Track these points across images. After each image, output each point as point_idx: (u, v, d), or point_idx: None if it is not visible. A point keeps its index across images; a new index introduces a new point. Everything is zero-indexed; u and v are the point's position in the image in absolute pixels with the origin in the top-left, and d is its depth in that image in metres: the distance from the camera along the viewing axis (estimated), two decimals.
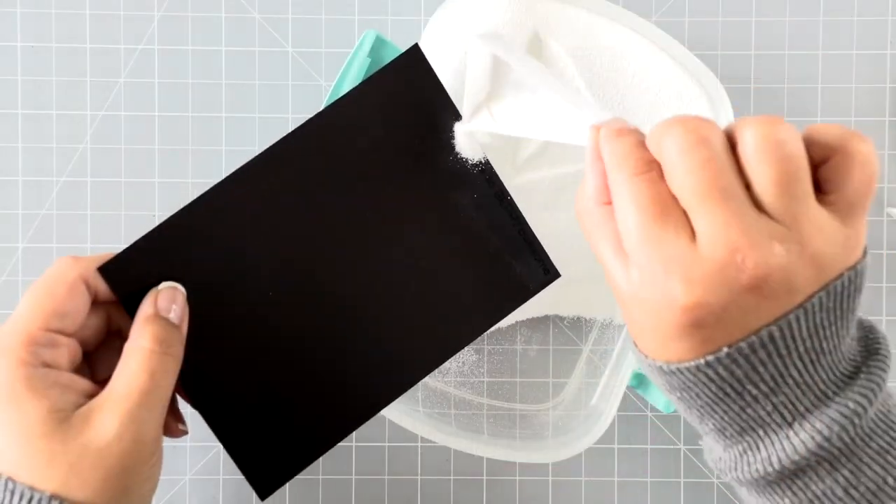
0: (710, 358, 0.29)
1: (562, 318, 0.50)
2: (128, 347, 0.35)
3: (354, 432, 0.50)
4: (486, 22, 0.44)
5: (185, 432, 0.38)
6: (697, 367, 0.29)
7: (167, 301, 0.36)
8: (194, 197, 0.37)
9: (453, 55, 0.44)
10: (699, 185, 0.28)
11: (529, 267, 0.39)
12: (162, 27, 0.51)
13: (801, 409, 0.29)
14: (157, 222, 0.50)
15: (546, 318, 0.50)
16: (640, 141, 0.31)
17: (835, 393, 0.30)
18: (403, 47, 0.45)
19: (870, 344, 0.32)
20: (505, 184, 0.39)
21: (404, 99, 0.38)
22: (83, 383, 0.34)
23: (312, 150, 0.37)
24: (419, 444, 0.50)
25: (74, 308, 0.34)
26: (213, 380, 0.37)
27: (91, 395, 0.34)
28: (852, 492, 0.29)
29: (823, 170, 0.29)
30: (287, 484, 0.50)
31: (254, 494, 0.50)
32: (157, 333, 0.34)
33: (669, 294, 0.28)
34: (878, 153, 0.50)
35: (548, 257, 0.40)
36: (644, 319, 0.30)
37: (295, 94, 0.51)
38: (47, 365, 0.33)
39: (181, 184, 0.51)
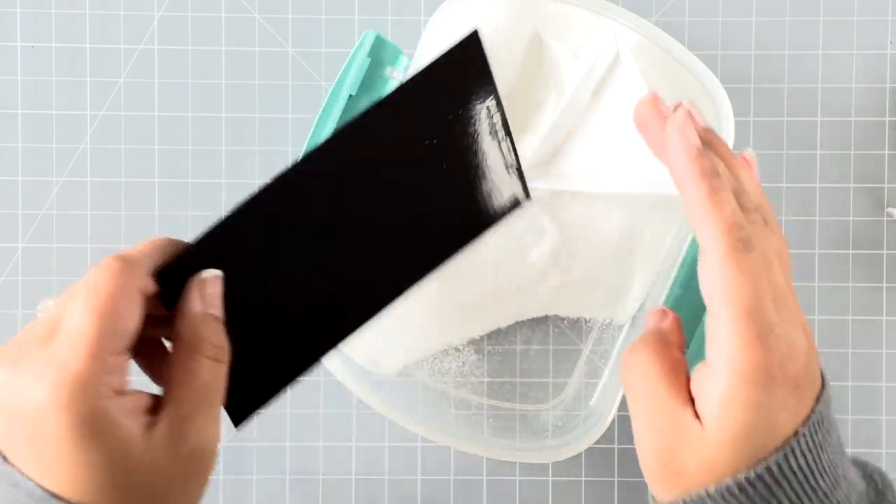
0: (777, 457, 0.29)
1: (562, 319, 0.50)
2: (181, 353, 0.32)
3: (353, 433, 0.50)
4: (487, 22, 0.44)
5: None
6: (766, 471, 0.29)
7: (215, 292, 0.33)
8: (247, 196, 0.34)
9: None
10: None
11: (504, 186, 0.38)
12: (162, 27, 0.51)
13: None
14: (157, 223, 0.50)
15: (546, 318, 0.50)
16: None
17: None
18: (404, 47, 0.45)
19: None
20: None
21: (456, 88, 0.36)
22: (144, 398, 0.31)
23: (370, 141, 0.35)
24: (419, 444, 0.50)
25: (134, 322, 0.30)
26: None
27: (151, 406, 0.31)
28: None
29: None
30: (287, 483, 0.50)
31: (253, 494, 0.50)
32: (210, 338, 0.32)
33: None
34: (878, 153, 0.50)
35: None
36: (689, 451, 0.30)
37: (295, 94, 0.51)
38: (119, 392, 0.30)
39: (181, 184, 0.51)
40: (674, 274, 0.45)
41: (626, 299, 0.47)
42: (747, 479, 0.29)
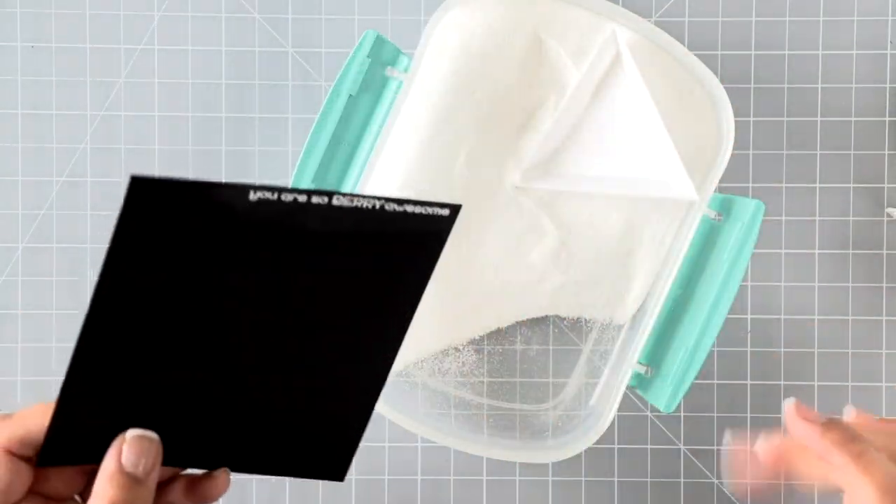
0: None
1: (562, 319, 0.50)
2: None
3: None
4: (487, 22, 0.44)
5: None
6: None
7: (135, 454, 0.31)
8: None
9: (454, 53, 0.44)
10: None
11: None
12: (162, 27, 0.51)
13: None
14: None
15: (546, 318, 0.50)
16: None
17: None
18: (404, 47, 0.45)
19: None
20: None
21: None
22: None
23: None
24: (419, 444, 0.50)
25: (7, 482, 0.31)
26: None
27: None
28: None
29: None
30: (287, 484, 0.50)
31: (254, 495, 0.50)
32: (115, 497, 0.31)
33: None
34: (878, 153, 0.50)
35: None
36: None
37: (295, 94, 0.51)
38: None
39: None
40: (674, 274, 0.45)
41: (626, 299, 0.47)
42: None
